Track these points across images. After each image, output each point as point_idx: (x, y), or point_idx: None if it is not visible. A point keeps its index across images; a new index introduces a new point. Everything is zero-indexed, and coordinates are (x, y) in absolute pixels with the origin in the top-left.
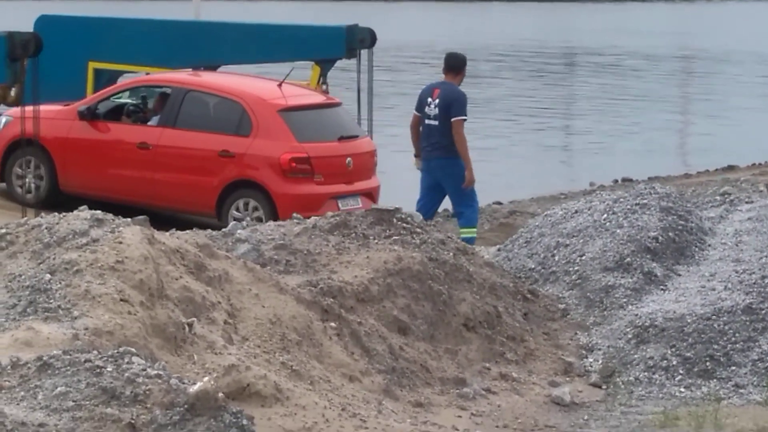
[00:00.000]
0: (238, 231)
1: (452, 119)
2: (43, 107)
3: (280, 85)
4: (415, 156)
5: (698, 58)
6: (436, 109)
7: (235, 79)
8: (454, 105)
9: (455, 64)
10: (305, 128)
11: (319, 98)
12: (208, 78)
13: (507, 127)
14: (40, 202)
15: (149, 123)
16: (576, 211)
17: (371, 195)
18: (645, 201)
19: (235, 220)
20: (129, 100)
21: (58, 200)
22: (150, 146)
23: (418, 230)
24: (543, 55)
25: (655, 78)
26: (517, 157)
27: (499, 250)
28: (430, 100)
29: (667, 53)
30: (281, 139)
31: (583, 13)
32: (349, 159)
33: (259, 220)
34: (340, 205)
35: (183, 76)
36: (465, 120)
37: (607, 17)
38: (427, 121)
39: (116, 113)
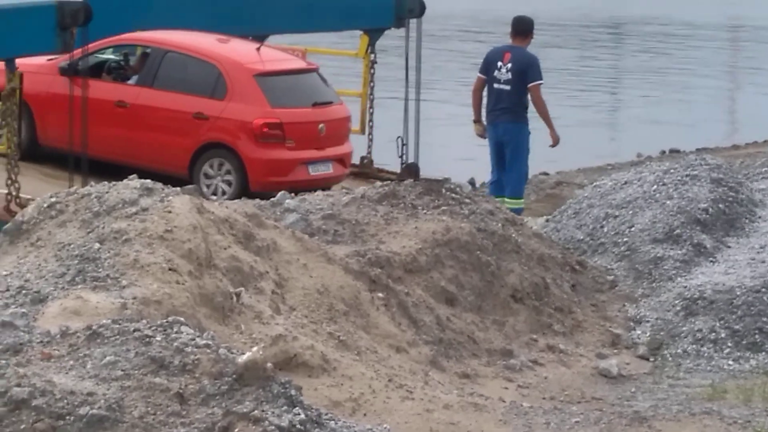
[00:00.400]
0: (287, 201)
1: (529, 84)
2: (25, 61)
3: (258, 49)
4: (475, 121)
5: (747, 27)
6: (509, 73)
7: (214, 42)
8: (530, 69)
9: (524, 28)
10: (280, 93)
11: (296, 63)
12: (187, 39)
13: (552, 96)
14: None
15: (129, 82)
16: (625, 182)
17: (343, 161)
18: (695, 172)
19: (206, 179)
20: (112, 57)
21: (36, 153)
22: (128, 105)
23: (467, 201)
24: (589, 25)
25: (701, 48)
26: (564, 127)
27: (547, 221)
28: (500, 64)
29: (715, 23)
30: (255, 103)
31: None
32: (321, 125)
33: (229, 183)
34: (310, 170)
35: (164, 35)
36: (542, 84)
37: None
38: (496, 85)
39: (98, 70)
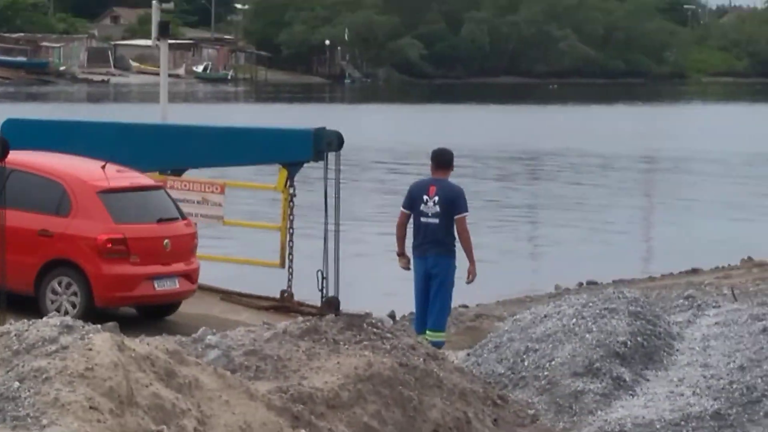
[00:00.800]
0: (208, 337)
1: (456, 216)
2: None
3: (103, 167)
4: (399, 255)
5: (661, 160)
6: (437, 206)
7: (58, 160)
8: (457, 201)
9: (446, 160)
10: (124, 210)
11: (141, 180)
12: (31, 157)
13: (471, 227)
14: None
15: None
16: (545, 316)
17: (190, 277)
18: (614, 305)
19: (52, 295)
20: None
21: None
22: None
23: (389, 335)
24: (506, 157)
25: (617, 180)
26: (481, 260)
27: (468, 354)
28: (426, 197)
29: (630, 155)
30: (99, 219)
31: (547, 116)
32: (167, 241)
33: (74, 302)
34: (156, 285)
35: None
36: (468, 215)
37: (570, 119)
38: (423, 219)
39: None
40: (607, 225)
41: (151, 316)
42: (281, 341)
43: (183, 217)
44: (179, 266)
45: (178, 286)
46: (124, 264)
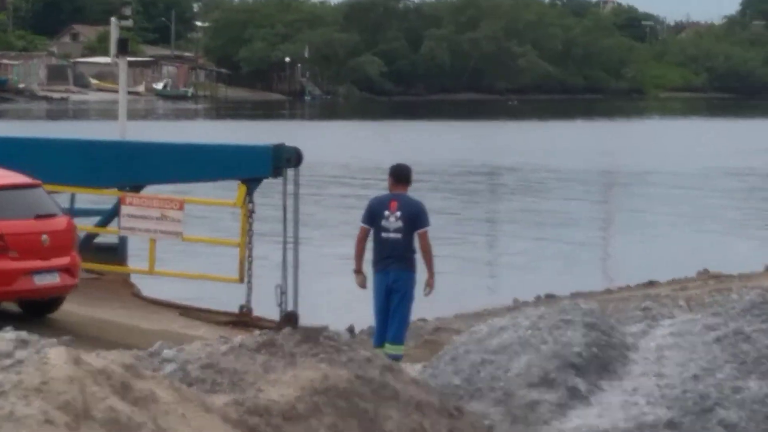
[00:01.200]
0: (165, 351)
1: (419, 231)
2: None
3: None
4: (356, 272)
5: (619, 174)
6: (399, 221)
7: None
8: (419, 216)
9: (406, 175)
10: (0, 207)
11: (18, 179)
12: None
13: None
14: None
15: None
16: (501, 328)
17: (70, 271)
18: (569, 317)
19: None
20: None
21: None
22: None
23: (345, 348)
24: (465, 173)
25: (575, 195)
26: (440, 274)
27: (424, 367)
28: (387, 213)
29: (588, 170)
30: None
31: (507, 131)
32: (45, 236)
33: None
34: (35, 280)
35: None
36: (429, 229)
37: (529, 134)
38: (384, 234)
39: None
40: (565, 239)
41: (34, 312)
42: (237, 355)
43: (62, 213)
44: (59, 261)
45: (58, 280)
46: (2, 259)
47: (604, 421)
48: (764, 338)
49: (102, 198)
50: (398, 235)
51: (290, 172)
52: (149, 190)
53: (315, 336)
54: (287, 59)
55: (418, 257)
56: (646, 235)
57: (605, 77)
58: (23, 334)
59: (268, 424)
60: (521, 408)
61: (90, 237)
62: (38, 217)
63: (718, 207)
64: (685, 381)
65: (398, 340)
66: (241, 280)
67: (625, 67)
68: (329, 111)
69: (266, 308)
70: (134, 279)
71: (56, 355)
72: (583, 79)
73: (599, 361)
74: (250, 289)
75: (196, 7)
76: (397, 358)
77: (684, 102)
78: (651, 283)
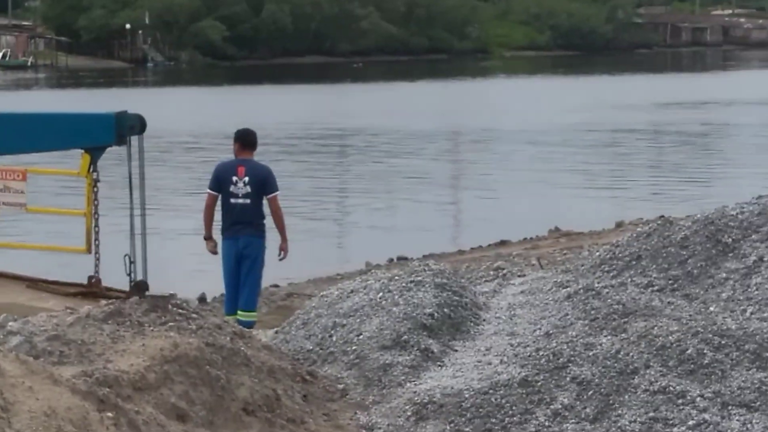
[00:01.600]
0: (9, 323)
1: (269, 196)
2: None
3: None
4: (206, 238)
5: (465, 134)
6: (247, 186)
7: None
8: (267, 181)
9: (252, 140)
10: None
11: None
12: None
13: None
14: None
15: None
16: (352, 291)
17: None
18: (420, 278)
19: None
20: None
21: None
22: None
23: (194, 316)
24: (312, 136)
25: (424, 156)
26: (292, 239)
27: (276, 332)
28: (236, 178)
29: (435, 131)
30: None
31: (352, 94)
32: None
33: None
34: None
35: None
36: (278, 194)
37: (375, 96)
38: (233, 200)
39: None
40: (416, 201)
41: None
42: (85, 325)
43: None
44: None
45: None
46: None
47: (458, 381)
48: (615, 294)
49: None
50: (247, 201)
51: (135, 140)
52: None
53: (163, 304)
54: (128, 26)
55: (269, 223)
56: (497, 195)
57: (449, 38)
58: None
59: (118, 395)
60: (374, 371)
61: None
62: None
63: (568, 164)
64: (538, 339)
65: (250, 306)
66: (89, 250)
67: (468, 27)
68: (173, 77)
69: (116, 279)
70: None
71: None
72: (427, 40)
73: (451, 322)
74: (98, 260)
75: None
76: (249, 325)
77: (529, 61)
78: (503, 243)
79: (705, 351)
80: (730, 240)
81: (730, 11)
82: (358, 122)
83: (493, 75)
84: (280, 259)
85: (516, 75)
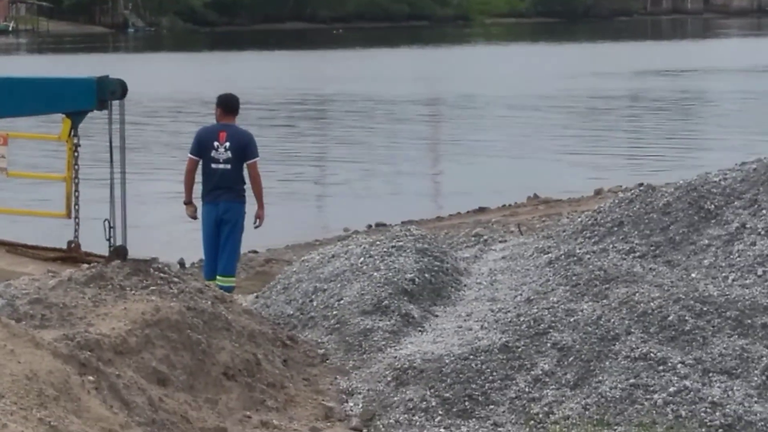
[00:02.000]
0: None
1: (248, 162)
2: None
3: None
4: (186, 203)
5: (444, 101)
6: (228, 152)
7: None
8: (248, 147)
9: (234, 105)
10: None
11: None
12: None
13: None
14: None
15: None
16: (333, 256)
17: None
18: (401, 243)
19: None
20: None
21: None
22: None
23: (176, 280)
24: (292, 102)
25: (404, 123)
26: (270, 205)
27: (257, 297)
28: (217, 143)
29: (414, 97)
30: None
31: (332, 61)
32: None
33: None
34: None
35: None
36: (258, 160)
37: (355, 64)
38: (214, 165)
39: None
40: (395, 168)
41: None
42: (66, 289)
43: None
44: None
45: None
46: None
47: (439, 346)
48: (596, 260)
49: None
50: (227, 166)
51: (115, 105)
52: None
53: (145, 268)
54: None
55: (248, 188)
56: (476, 161)
57: (430, 4)
58: None
59: (99, 358)
60: (355, 336)
61: None
62: None
63: (547, 132)
64: (519, 305)
65: (229, 271)
66: (69, 215)
67: None
68: (153, 43)
69: (96, 244)
70: None
71: None
72: (407, 7)
73: (432, 287)
74: (77, 224)
75: None
76: (228, 290)
77: (509, 28)
78: (482, 210)
79: (686, 318)
80: (713, 206)
81: None
82: (338, 88)
83: (473, 42)
84: (256, 227)
85: (496, 42)
